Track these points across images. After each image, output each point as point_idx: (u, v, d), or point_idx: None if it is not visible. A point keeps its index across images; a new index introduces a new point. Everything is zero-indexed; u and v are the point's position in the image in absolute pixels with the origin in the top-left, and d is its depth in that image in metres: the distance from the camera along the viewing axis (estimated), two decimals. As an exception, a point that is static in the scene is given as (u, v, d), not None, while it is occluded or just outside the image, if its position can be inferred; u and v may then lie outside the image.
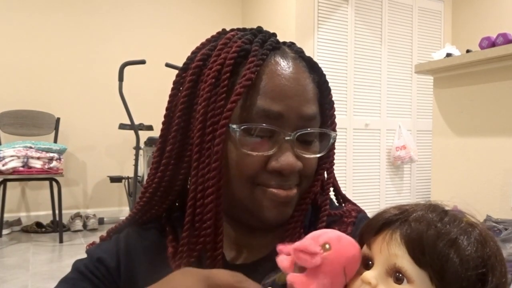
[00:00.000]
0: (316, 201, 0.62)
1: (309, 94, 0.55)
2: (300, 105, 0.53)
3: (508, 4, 3.69)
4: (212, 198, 0.52)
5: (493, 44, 1.99)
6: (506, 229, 1.72)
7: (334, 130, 0.60)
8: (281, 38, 0.59)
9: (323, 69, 0.60)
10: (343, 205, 0.65)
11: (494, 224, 1.80)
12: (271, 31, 0.59)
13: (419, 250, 0.38)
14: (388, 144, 3.66)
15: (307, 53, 0.60)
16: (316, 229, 0.57)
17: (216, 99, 0.52)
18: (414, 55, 3.78)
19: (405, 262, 0.39)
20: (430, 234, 0.39)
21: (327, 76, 0.60)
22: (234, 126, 0.51)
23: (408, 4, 3.74)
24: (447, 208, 0.43)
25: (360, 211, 0.61)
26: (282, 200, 0.53)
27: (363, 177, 3.55)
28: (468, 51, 2.12)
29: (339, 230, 0.57)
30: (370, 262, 0.42)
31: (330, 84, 0.61)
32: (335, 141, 0.58)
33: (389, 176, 3.71)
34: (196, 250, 0.53)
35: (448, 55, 2.24)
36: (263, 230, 0.58)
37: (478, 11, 3.91)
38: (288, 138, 0.52)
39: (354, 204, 0.64)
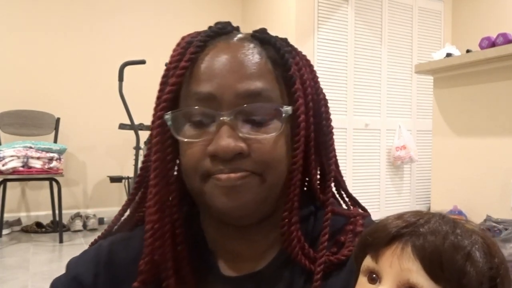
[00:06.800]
0: (318, 198, 0.57)
1: (250, 69, 0.49)
2: (235, 82, 0.48)
3: (508, 4, 3.69)
4: (155, 191, 0.50)
5: (493, 44, 1.99)
6: (506, 229, 1.72)
7: (298, 108, 0.51)
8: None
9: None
10: (346, 203, 0.60)
11: (494, 224, 1.80)
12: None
13: (437, 265, 0.37)
14: (388, 144, 3.66)
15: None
16: (319, 233, 0.53)
17: (160, 96, 0.52)
18: (414, 55, 3.78)
19: (420, 278, 0.37)
20: (447, 248, 0.37)
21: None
22: (167, 115, 0.49)
23: (408, 4, 3.74)
24: (453, 217, 0.41)
25: (365, 216, 0.56)
26: (224, 184, 0.47)
27: (363, 177, 3.55)
28: (468, 51, 2.12)
29: (345, 240, 0.53)
30: (375, 275, 0.41)
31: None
32: (289, 116, 0.50)
33: (389, 176, 3.71)
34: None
35: (448, 55, 2.24)
36: (255, 234, 0.54)
37: (478, 11, 3.91)
38: (223, 118, 0.47)
39: (358, 203, 0.60)
